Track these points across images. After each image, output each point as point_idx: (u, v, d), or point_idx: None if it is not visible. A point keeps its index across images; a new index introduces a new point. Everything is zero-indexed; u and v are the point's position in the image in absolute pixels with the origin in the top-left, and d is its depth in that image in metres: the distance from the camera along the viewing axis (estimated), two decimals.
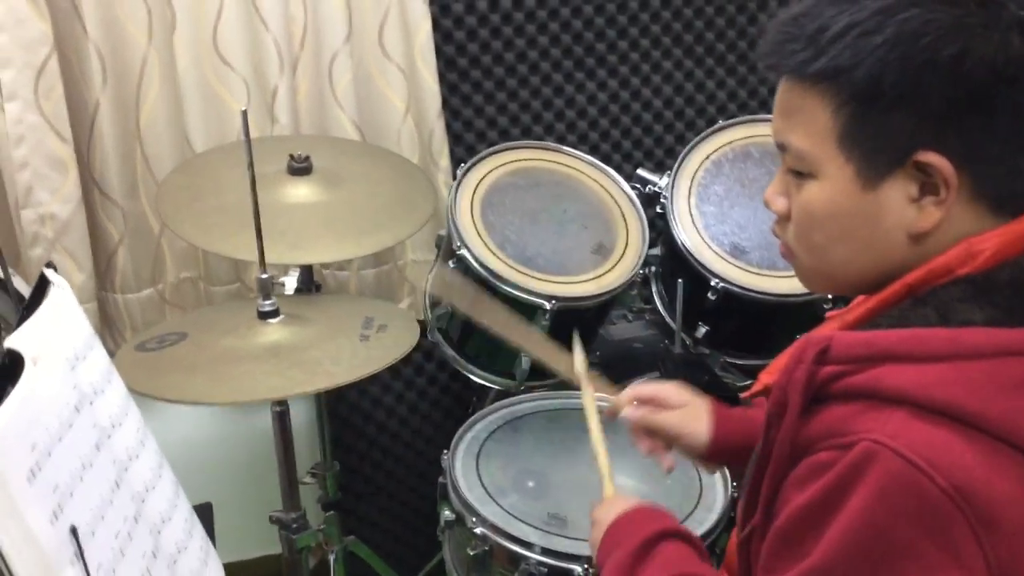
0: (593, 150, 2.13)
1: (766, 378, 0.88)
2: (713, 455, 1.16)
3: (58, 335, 0.90)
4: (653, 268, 1.91)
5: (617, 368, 1.87)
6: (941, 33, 0.74)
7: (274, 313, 1.40)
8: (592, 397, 1.27)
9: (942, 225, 0.79)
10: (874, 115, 0.77)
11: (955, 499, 0.69)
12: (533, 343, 1.45)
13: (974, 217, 0.79)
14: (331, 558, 1.81)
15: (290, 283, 1.52)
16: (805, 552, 0.74)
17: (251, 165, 1.28)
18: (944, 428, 0.71)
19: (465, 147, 2.07)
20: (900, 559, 0.70)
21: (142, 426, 1.03)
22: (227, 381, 1.24)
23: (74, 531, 0.78)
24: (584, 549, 1.34)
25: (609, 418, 1.23)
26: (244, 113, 1.30)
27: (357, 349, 1.35)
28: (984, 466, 0.70)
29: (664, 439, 1.19)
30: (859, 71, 0.76)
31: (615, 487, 1.16)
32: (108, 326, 1.97)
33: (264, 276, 1.37)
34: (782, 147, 0.85)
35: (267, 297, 1.39)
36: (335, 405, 2.11)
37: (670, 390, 1.20)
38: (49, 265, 1.01)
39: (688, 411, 1.18)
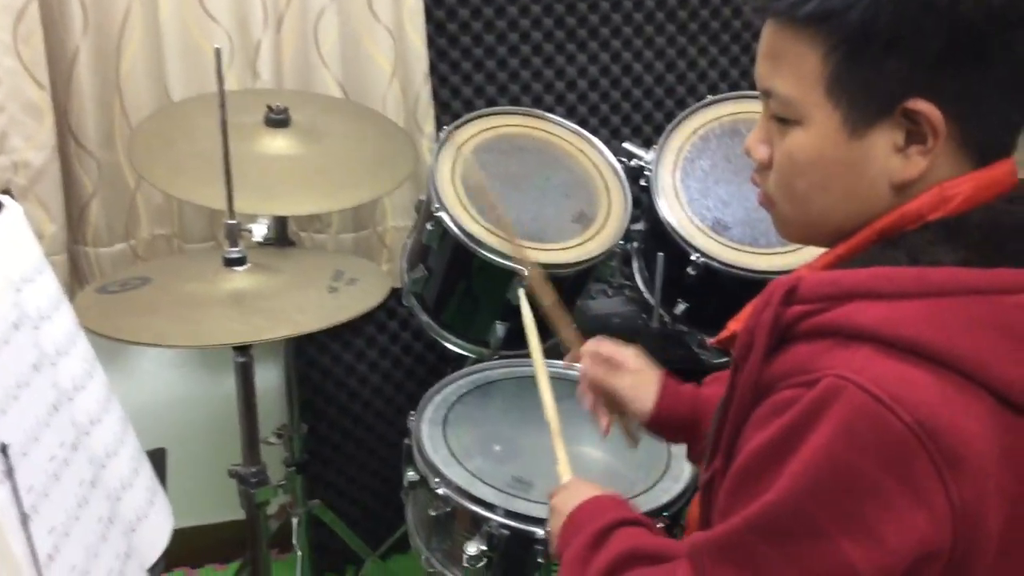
0: (581, 123, 2.09)
1: (734, 325, 0.86)
2: (653, 425, 1.16)
3: (2, 256, 0.87)
4: (635, 244, 1.89)
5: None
6: None
7: (240, 261, 1.37)
8: (548, 384, 1.24)
9: (926, 175, 0.77)
10: (866, 60, 0.75)
11: (919, 435, 0.67)
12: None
13: (956, 164, 0.77)
14: (294, 521, 1.78)
15: (258, 230, 1.48)
16: (763, 488, 0.72)
17: (223, 105, 1.25)
18: (910, 364, 0.70)
19: (451, 114, 2.04)
20: (861, 494, 0.69)
21: (91, 359, 1.00)
22: (186, 325, 1.21)
23: (4, 449, 0.76)
24: (546, 512, 1.31)
25: (566, 364, 1.24)
26: (217, 51, 1.27)
27: (324, 300, 1.32)
28: (949, 403, 0.69)
29: (611, 401, 1.19)
30: (852, 13, 0.74)
31: (572, 471, 1.15)
32: (78, 279, 1.93)
33: (232, 222, 1.34)
34: (767, 93, 0.82)
35: (234, 244, 1.36)
36: (306, 369, 2.08)
37: (627, 354, 1.19)
38: (6, 192, 0.99)
39: (640, 377, 1.17)
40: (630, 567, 0.88)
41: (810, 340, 0.74)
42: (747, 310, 0.82)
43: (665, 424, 1.16)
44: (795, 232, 0.87)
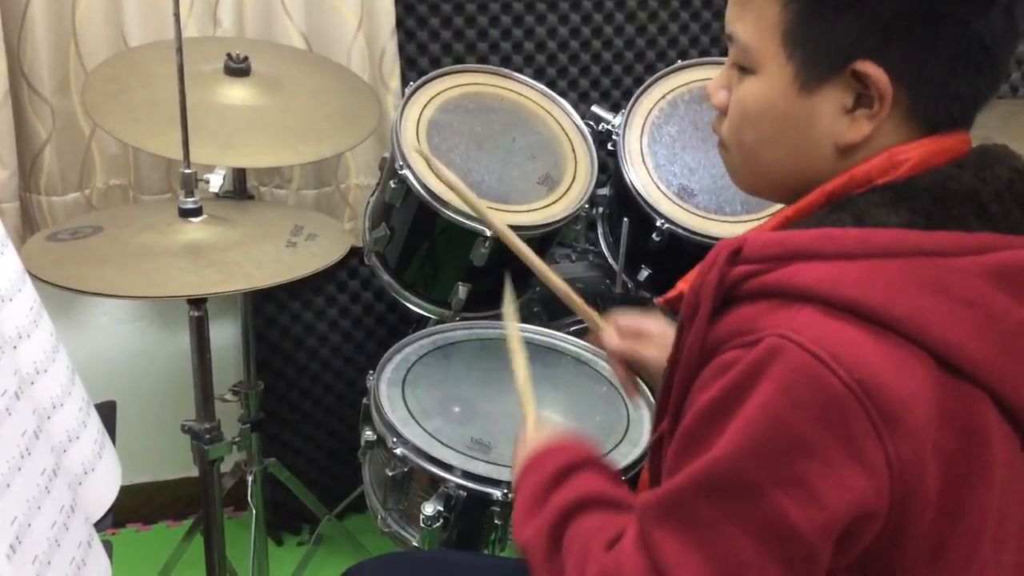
0: (550, 85, 2.06)
1: (682, 284, 0.85)
2: None
3: None
4: (600, 209, 1.87)
5: (554, 306, 1.84)
6: None
7: (196, 212, 1.33)
8: (517, 331, 1.21)
9: (871, 140, 0.78)
10: (822, 16, 0.75)
11: (857, 394, 0.68)
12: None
13: (904, 134, 0.78)
14: (249, 479, 1.76)
15: (215, 180, 1.44)
16: (706, 448, 0.72)
17: (179, 50, 1.21)
18: (851, 324, 0.70)
19: (418, 71, 1.99)
20: (800, 452, 0.69)
21: (38, 307, 0.96)
22: (138, 275, 1.18)
23: None
24: (505, 474, 1.31)
25: (594, 346, 1.19)
26: None
27: (281, 255, 1.29)
28: (889, 363, 0.69)
29: (644, 374, 1.15)
30: None
31: (537, 416, 1.12)
32: (30, 228, 1.88)
33: (188, 171, 1.30)
34: (730, 38, 0.82)
35: (189, 194, 1.32)
36: (265, 327, 2.05)
37: (652, 323, 1.15)
38: None
39: (665, 341, 1.12)
40: (588, 509, 0.87)
41: (754, 300, 0.74)
42: (695, 270, 0.82)
43: None
44: (743, 180, 0.88)
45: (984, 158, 0.78)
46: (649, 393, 1.19)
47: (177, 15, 1.21)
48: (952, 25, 0.73)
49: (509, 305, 1.26)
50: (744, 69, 0.82)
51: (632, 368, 1.16)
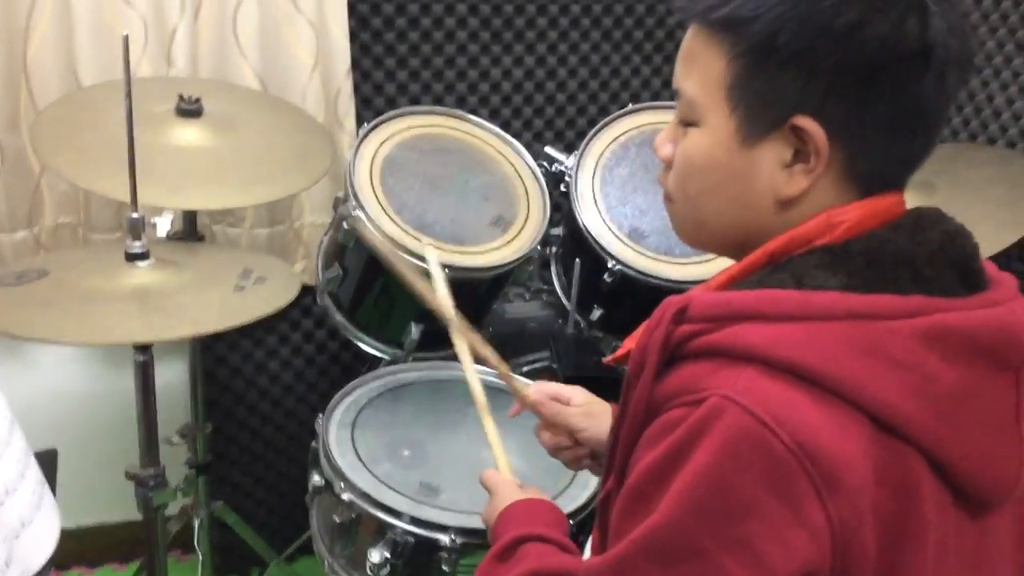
0: (504, 126, 2.08)
1: (629, 343, 0.86)
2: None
3: None
4: (553, 248, 1.89)
5: (509, 345, 1.84)
6: (841, 1, 0.74)
7: (143, 256, 1.32)
8: (474, 372, 1.23)
9: (809, 196, 0.79)
10: (764, 71, 0.77)
11: (798, 455, 0.68)
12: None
13: (841, 193, 0.80)
14: (196, 523, 1.74)
15: (163, 224, 1.43)
16: (651, 509, 0.72)
17: (129, 94, 1.21)
18: (791, 386, 0.71)
19: (373, 111, 2.01)
20: (742, 513, 0.69)
21: None
22: (82, 321, 1.16)
23: None
24: (453, 519, 1.31)
25: (518, 409, 1.21)
26: (126, 38, 1.22)
27: (229, 299, 1.28)
28: (829, 425, 0.70)
29: (569, 434, 1.17)
30: (757, 24, 0.76)
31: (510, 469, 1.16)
32: None
33: (135, 216, 1.30)
34: (678, 93, 0.84)
35: (136, 238, 1.31)
36: (214, 366, 2.03)
37: (573, 390, 1.20)
38: None
39: (590, 408, 1.17)
40: None
41: (698, 360, 0.75)
42: (641, 328, 0.83)
43: None
44: (687, 232, 0.89)
45: (919, 222, 0.80)
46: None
47: (127, 60, 1.20)
48: (888, 88, 0.76)
49: (464, 352, 1.26)
50: (690, 124, 0.83)
51: (558, 432, 1.18)
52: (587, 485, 1.42)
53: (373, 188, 1.66)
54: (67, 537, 0.99)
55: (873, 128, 0.77)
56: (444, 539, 1.30)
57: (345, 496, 1.35)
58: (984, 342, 0.75)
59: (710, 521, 0.70)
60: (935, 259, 0.78)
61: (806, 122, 0.76)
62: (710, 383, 0.72)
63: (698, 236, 0.89)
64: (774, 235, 0.80)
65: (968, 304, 0.77)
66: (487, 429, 1.19)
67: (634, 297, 1.71)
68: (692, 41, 0.82)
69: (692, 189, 0.84)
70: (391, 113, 1.76)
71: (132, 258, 1.32)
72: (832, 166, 0.78)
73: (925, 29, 0.75)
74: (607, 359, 0.90)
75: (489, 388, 1.23)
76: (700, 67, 0.81)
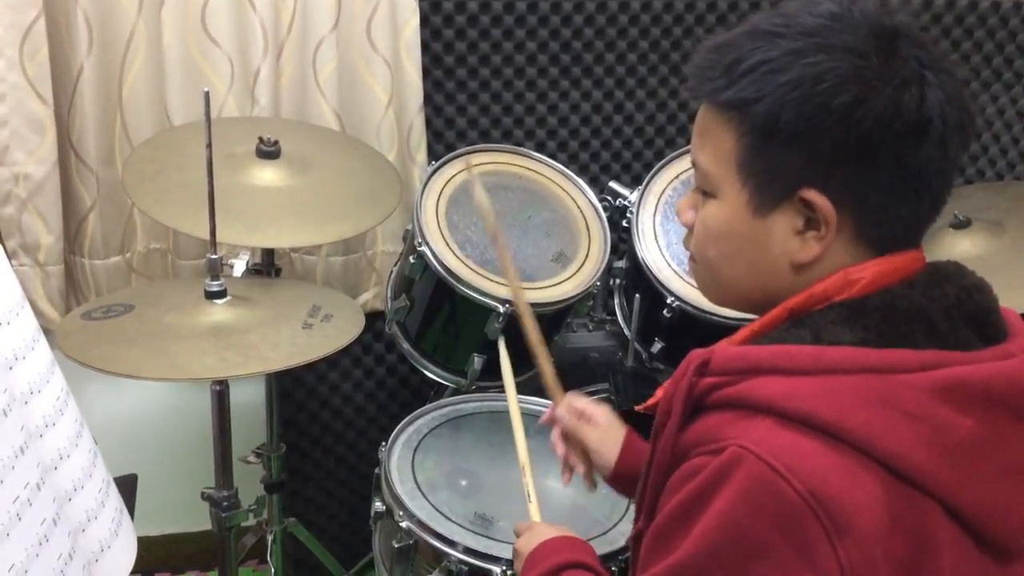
0: (572, 159, 2.14)
1: (659, 392, 0.91)
2: (613, 480, 1.22)
3: None
4: (618, 280, 1.92)
5: (571, 375, 1.87)
6: (839, 81, 0.78)
7: (221, 294, 1.41)
8: (520, 425, 1.30)
9: (824, 258, 0.83)
10: (770, 148, 0.82)
11: (810, 503, 0.73)
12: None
13: (855, 253, 0.84)
14: (269, 539, 1.83)
15: (239, 266, 1.53)
16: (673, 549, 0.78)
17: (209, 145, 1.30)
18: (805, 436, 0.75)
19: (445, 144, 2.08)
20: (757, 557, 0.74)
21: (64, 394, 1.03)
22: (161, 357, 1.26)
23: None
24: (505, 551, 1.36)
25: (547, 421, 1.29)
26: (206, 94, 1.32)
27: (297, 336, 1.36)
28: (840, 474, 0.74)
29: (580, 452, 1.24)
30: (761, 105, 0.80)
31: (540, 508, 1.22)
32: (73, 290, 1.99)
33: (214, 257, 1.39)
34: (694, 164, 0.89)
35: (215, 278, 1.40)
36: (291, 388, 2.12)
37: (598, 410, 1.25)
38: None
39: (608, 432, 1.23)
40: None
41: (719, 410, 0.80)
42: (671, 379, 0.87)
43: (623, 479, 1.21)
44: (711, 292, 0.94)
45: (934, 277, 0.84)
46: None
47: (207, 114, 1.30)
48: (887, 158, 0.80)
49: (510, 386, 1.33)
50: (706, 193, 0.88)
51: (575, 445, 1.24)
52: None
53: (439, 224, 1.72)
54: (153, 544, 1.07)
55: (877, 196, 0.81)
56: (496, 570, 1.35)
57: (403, 524, 1.42)
58: (998, 393, 0.78)
59: (724, 562, 0.75)
60: (950, 313, 0.81)
61: (812, 195, 0.81)
62: (729, 433, 0.77)
63: (721, 296, 0.93)
64: (794, 292, 0.84)
65: (982, 356, 0.80)
66: (528, 488, 1.25)
67: (693, 332, 1.73)
68: (703, 118, 0.87)
69: (712, 254, 0.89)
70: (457, 152, 1.82)
71: (211, 296, 1.42)
72: (843, 231, 0.82)
73: (922, 102, 0.79)
74: (639, 407, 0.94)
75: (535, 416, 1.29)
76: (712, 143, 0.86)
